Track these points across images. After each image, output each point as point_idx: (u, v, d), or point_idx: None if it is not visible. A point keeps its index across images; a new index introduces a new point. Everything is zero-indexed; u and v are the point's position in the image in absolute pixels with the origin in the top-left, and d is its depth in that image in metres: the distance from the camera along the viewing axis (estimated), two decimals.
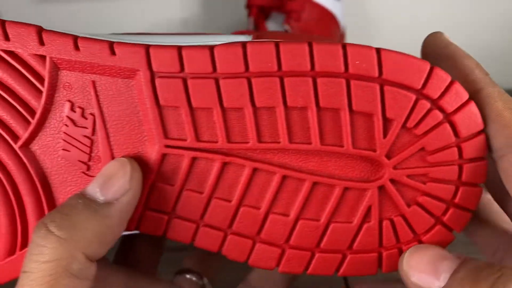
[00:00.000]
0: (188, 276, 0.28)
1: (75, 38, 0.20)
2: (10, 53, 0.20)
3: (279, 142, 0.20)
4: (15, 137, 0.21)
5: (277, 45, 0.19)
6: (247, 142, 0.20)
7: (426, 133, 0.20)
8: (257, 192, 0.21)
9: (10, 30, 0.20)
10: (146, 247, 0.29)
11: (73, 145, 0.21)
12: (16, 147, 0.21)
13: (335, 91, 0.19)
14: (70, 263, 0.18)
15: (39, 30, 0.20)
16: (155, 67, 0.20)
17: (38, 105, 0.21)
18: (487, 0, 0.48)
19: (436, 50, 0.22)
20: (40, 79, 0.20)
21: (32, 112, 0.21)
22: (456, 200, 0.20)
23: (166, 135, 0.21)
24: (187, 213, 0.21)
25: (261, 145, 0.20)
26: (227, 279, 0.30)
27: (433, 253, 0.20)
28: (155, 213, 0.21)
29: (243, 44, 0.19)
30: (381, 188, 0.21)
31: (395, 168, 0.20)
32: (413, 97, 0.19)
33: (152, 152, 0.21)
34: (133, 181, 0.20)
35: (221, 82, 0.20)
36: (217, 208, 0.21)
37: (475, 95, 0.20)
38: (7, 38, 0.20)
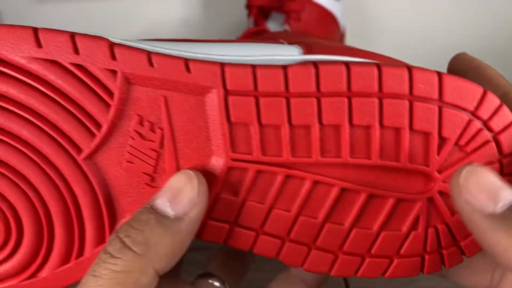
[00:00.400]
0: (210, 281, 0.28)
1: (149, 54, 0.20)
2: (79, 67, 0.20)
3: (340, 157, 0.21)
4: (78, 150, 0.21)
5: (347, 67, 0.20)
6: (311, 157, 0.21)
7: (474, 150, 0.21)
8: (315, 203, 0.22)
9: (80, 44, 0.19)
10: None
11: (138, 158, 0.21)
12: (78, 159, 0.21)
13: (399, 111, 0.21)
14: (140, 277, 0.19)
15: (111, 44, 0.20)
16: (229, 86, 0.20)
17: (105, 119, 0.20)
18: (487, 0, 0.50)
19: (464, 64, 0.24)
20: (109, 93, 0.20)
21: (98, 126, 0.21)
22: None
23: (233, 149, 0.21)
24: (248, 223, 0.22)
25: (323, 160, 0.21)
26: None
27: (496, 179, 0.19)
28: (217, 222, 0.22)
29: (315, 65, 0.20)
30: (430, 199, 0.22)
31: (444, 181, 0.22)
32: (467, 118, 0.21)
33: (218, 165, 0.21)
34: (201, 195, 0.21)
35: (292, 100, 0.20)
36: (276, 217, 0.22)
37: (502, 98, 0.22)
38: (76, 51, 0.20)
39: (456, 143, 0.21)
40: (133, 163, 0.21)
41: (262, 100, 0.20)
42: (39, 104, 0.20)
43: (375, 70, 0.20)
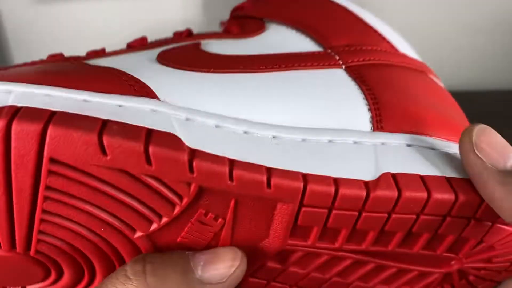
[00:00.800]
0: None
1: (231, 167, 0.17)
2: (150, 177, 0.17)
3: (388, 248, 0.22)
4: (133, 231, 0.20)
5: (429, 194, 0.20)
6: (361, 246, 0.22)
7: (503, 247, 0.23)
8: (350, 272, 0.24)
9: (154, 157, 0.16)
10: None
11: (194, 237, 0.20)
12: (132, 237, 0.20)
13: (456, 227, 0.21)
14: None
15: (190, 157, 0.17)
16: (306, 201, 0.19)
17: (167, 215, 0.19)
18: (488, 0, 0.47)
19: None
20: (179, 197, 0.18)
21: (159, 217, 0.19)
22: (497, 279, 0.26)
23: (290, 237, 0.21)
24: (285, 280, 0.24)
25: (372, 249, 0.22)
26: None
27: (503, 140, 0.20)
28: (257, 279, 0.23)
29: (399, 191, 0.19)
30: (448, 273, 0.25)
31: (466, 263, 0.24)
32: (508, 230, 0.22)
33: (272, 246, 0.21)
34: (233, 277, 0.20)
35: (364, 215, 0.20)
36: (312, 278, 0.24)
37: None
38: (149, 163, 0.17)
39: (492, 244, 0.23)
40: (187, 239, 0.21)
41: (334, 213, 0.20)
42: (97, 200, 0.18)
43: (452, 198, 0.20)
